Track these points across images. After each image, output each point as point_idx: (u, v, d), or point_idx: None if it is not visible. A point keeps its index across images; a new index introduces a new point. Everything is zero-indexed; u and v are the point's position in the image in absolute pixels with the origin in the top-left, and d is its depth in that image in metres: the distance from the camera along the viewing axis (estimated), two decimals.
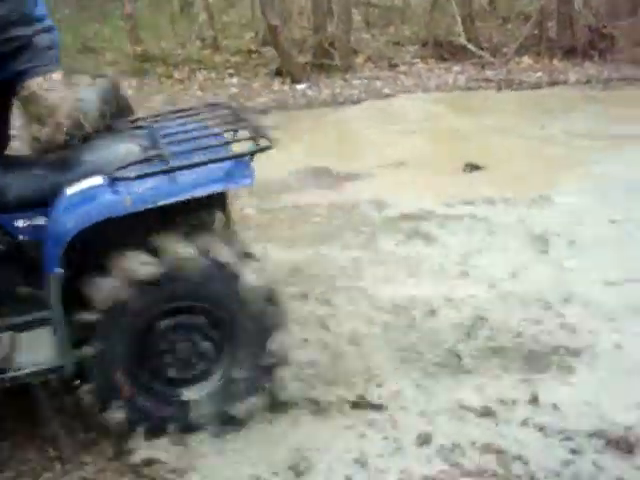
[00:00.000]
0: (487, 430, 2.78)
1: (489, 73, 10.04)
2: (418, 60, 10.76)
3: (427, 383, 3.09)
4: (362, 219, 5.13)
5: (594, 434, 2.72)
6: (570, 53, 10.68)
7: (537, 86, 9.63)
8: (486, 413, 2.86)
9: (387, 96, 9.21)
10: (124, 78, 9.75)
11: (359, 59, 10.68)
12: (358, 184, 5.99)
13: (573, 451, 2.64)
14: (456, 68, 10.36)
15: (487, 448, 2.67)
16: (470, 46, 10.53)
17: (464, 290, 3.92)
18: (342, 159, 6.64)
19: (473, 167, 6.20)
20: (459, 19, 10.68)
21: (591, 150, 6.61)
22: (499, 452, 2.65)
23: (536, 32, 10.92)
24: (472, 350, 3.32)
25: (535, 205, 5.23)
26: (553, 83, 9.77)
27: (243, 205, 5.19)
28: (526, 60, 10.55)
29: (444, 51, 10.87)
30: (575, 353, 3.28)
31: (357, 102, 9.00)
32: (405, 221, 5.00)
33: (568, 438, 2.71)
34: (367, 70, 10.40)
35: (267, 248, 4.28)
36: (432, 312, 3.68)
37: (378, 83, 9.78)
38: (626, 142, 6.70)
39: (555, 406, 2.89)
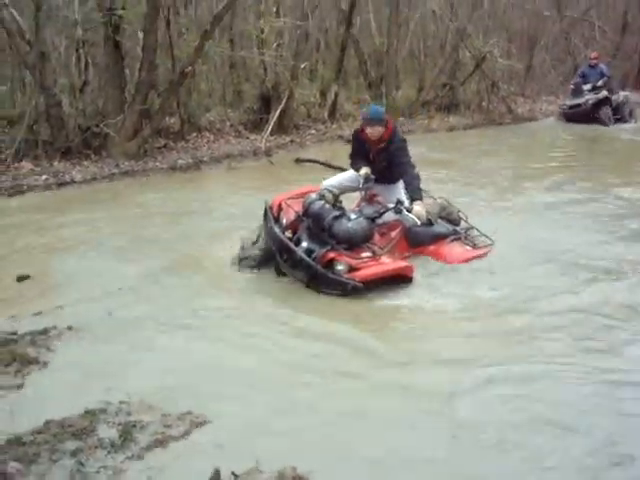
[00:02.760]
0: None
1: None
2: None
3: None
4: None
5: None
6: (67, 154, 10.93)
7: (48, 188, 9.66)
8: None
9: None
10: None
11: None
12: None
13: None
14: None
15: None
16: None
17: None
18: None
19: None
20: None
21: None
22: None
23: (31, 136, 10.85)
24: None
25: None
26: (61, 184, 9.91)
27: None
28: (26, 165, 10.44)
29: None
30: None
31: None
32: None
33: None
34: None
35: None
36: None
37: None
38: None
39: None
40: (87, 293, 5.66)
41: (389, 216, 6.19)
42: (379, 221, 6.16)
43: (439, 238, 6.49)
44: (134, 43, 12.12)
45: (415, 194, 6.12)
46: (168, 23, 11.28)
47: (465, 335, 5.00)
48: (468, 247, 6.65)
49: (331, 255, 5.71)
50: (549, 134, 16.81)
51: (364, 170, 6.36)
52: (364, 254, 5.79)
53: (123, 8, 10.70)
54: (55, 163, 10.69)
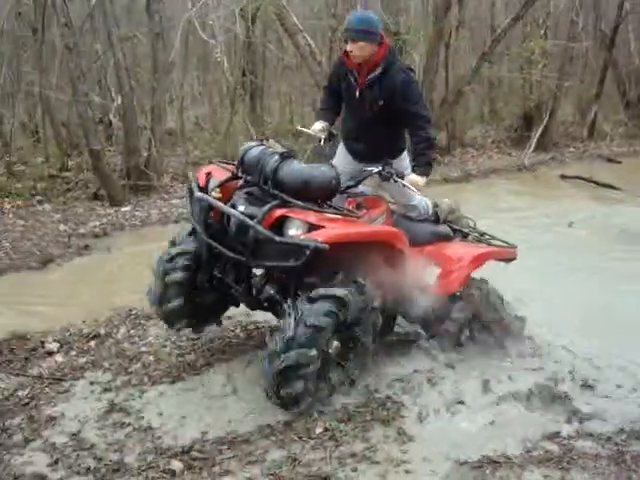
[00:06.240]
0: None
1: None
2: None
3: None
4: None
5: None
6: None
7: None
8: None
9: None
10: None
11: (165, 179, 11.10)
12: None
13: None
14: None
15: None
16: None
17: None
18: None
19: None
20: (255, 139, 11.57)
21: None
22: None
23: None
24: None
25: None
26: None
27: None
28: None
29: None
30: None
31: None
32: None
33: None
34: (178, 189, 10.86)
35: None
36: None
37: None
38: None
39: None
40: None
41: (367, 188, 4.55)
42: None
43: (441, 238, 4.90)
44: (409, 64, 13.16)
45: (421, 168, 4.38)
46: (447, 46, 12.20)
47: None
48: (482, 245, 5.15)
49: (279, 212, 3.86)
50: None
51: (319, 125, 4.57)
52: (328, 214, 3.97)
53: (408, 33, 11.73)
54: None
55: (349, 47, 4.28)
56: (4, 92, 11.59)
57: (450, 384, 4.31)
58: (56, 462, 3.61)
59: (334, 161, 4.68)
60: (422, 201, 4.85)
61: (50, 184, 10.73)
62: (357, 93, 4.40)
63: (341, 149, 4.79)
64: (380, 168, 4.27)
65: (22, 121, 12.60)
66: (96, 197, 10.20)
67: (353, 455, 3.61)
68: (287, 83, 13.79)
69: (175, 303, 4.30)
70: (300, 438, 3.76)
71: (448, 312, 4.71)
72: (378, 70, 4.30)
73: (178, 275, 4.25)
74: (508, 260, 5.17)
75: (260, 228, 3.74)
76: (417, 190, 4.36)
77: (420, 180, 4.30)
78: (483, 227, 5.41)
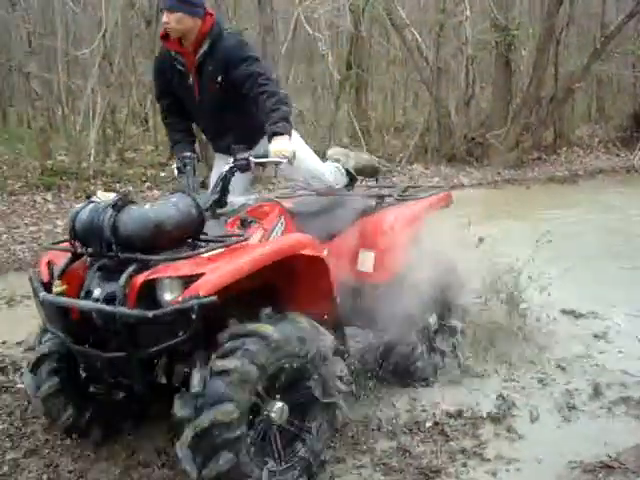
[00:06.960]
0: None
1: (395, 180, 11.10)
2: None
3: None
4: None
5: None
6: (451, 160, 12.10)
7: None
8: None
9: None
10: (36, 193, 9.77)
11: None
12: None
13: None
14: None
15: None
16: None
17: None
18: None
19: None
20: (359, 132, 11.70)
21: None
22: None
23: (420, 143, 12.22)
24: None
25: None
26: (452, 187, 11.01)
27: None
28: (417, 167, 11.77)
29: None
30: None
31: None
32: None
33: None
34: (281, 180, 11.04)
35: None
36: None
37: None
38: None
39: None
40: None
41: (238, 198, 3.70)
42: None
43: (363, 214, 4.12)
44: (517, 59, 13.00)
45: (278, 125, 3.51)
46: (557, 42, 11.97)
47: None
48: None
49: (141, 278, 2.88)
50: None
51: (179, 162, 3.84)
52: (204, 254, 3.02)
53: (517, 29, 11.57)
54: (441, 168, 11.90)
55: (165, 18, 3.70)
56: (118, 82, 12.00)
57: (561, 385, 4.28)
58: None
59: (213, 174, 4.11)
60: (329, 166, 4.23)
61: (159, 171, 11.11)
62: (190, 80, 3.83)
63: (217, 159, 4.22)
64: (231, 162, 3.44)
65: (133, 110, 13.05)
66: (203, 186, 10.41)
67: (463, 451, 3.62)
68: (389, 78, 13.83)
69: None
70: (410, 431, 3.79)
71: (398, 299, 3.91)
72: (206, 45, 3.75)
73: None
74: (446, 206, 4.54)
75: (125, 311, 2.82)
76: (286, 158, 3.39)
77: (282, 142, 3.44)
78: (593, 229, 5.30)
